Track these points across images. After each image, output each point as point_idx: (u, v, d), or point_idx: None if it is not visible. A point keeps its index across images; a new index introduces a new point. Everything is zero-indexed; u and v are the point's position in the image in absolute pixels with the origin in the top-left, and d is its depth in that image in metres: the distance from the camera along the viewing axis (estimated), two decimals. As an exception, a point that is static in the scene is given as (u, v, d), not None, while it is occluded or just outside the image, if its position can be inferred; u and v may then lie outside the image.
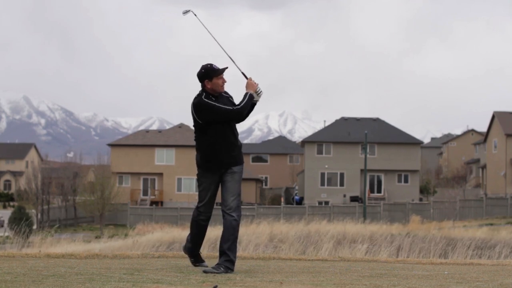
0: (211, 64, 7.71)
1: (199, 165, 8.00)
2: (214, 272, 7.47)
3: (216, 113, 7.64)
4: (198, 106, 7.67)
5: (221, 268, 7.53)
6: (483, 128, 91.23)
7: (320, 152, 72.09)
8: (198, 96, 7.74)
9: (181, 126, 76.80)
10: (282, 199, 74.11)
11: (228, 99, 7.84)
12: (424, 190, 79.95)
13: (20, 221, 33.37)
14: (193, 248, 8.25)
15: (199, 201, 8.13)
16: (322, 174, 71.81)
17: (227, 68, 7.67)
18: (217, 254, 8.13)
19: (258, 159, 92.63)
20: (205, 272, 7.53)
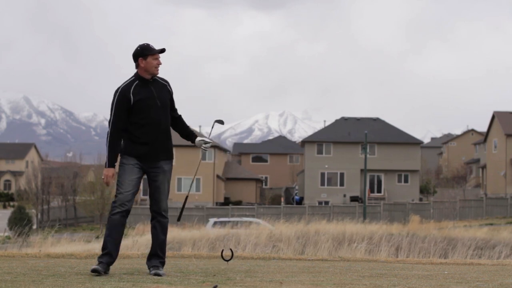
0: (148, 44, 7.32)
1: (123, 151, 7.40)
2: (163, 275, 7.15)
3: (110, 114, 7.26)
4: (114, 94, 7.26)
5: (161, 269, 7.31)
6: (483, 128, 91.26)
7: (320, 152, 72.09)
8: (125, 84, 7.32)
9: (181, 126, 76.80)
10: (282, 199, 74.10)
11: (166, 87, 7.44)
12: (424, 190, 79.96)
13: (20, 221, 33.40)
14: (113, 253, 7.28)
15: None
16: (322, 174, 71.81)
17: (164, 50, 7.29)
18: (217, 254, 8.12)
19: (258, 159, 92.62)
20: (157, 274, 7.16)
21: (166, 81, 7.52)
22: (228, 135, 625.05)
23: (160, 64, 7.32)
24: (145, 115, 7.25)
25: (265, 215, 40.20)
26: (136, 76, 7.35)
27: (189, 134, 7.73)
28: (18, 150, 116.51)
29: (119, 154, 7.45)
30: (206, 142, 7.63)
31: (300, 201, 72.10)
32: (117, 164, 7.50)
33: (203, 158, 71.12)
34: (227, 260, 8.55)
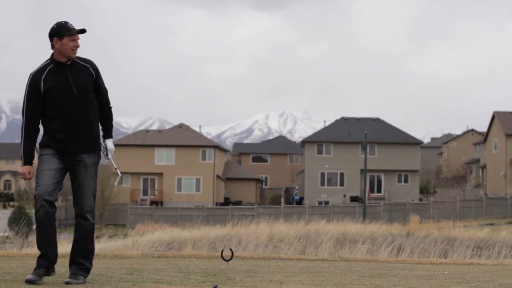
0: (67, 22, 6.36)
1: (41, 143, 6.57)
2: (77, 283, 6.31)
3: (23, 103, 6.47)
4: (28, 80, 6.42)
5: (81, 278, 6.40)
6: (483, 128, 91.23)
7: (320, 152, 72.08)
8: (37, 69, 6.43)
9: (181, 126, 76.77)
10: (282, 199, 74.08)
11: (86, 70, 6.47)
12: (424, 190, 79.94)
13: (20, 221, 33.38)
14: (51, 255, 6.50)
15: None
16: (322, 174, 71.80)
17: (84, 31, 6.39)
18: (217, 254, 8.08)
19: (258, 159, 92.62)
20: (68, 283, 6.29)
21: (89, 62, 6.51)
22: (228, 135, 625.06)
23: (78, 46, 6.38)
24: (57, 106, 6.34)
25: (265, 215, 40.16)
26: (51, 59, 6.42)
27: (105, 130, 6.76)
28: (18, 150, 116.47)
29: (38, 146, 6.57)
30: (107, 154, 6.78)
31: (300, 201, 72.10)
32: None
33: (203, 158, 71.13)
34: (227, 260, 8.56)
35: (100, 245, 27.16)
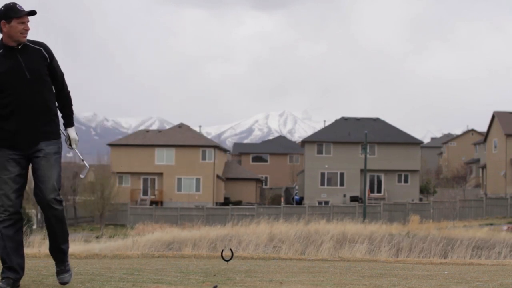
0: (15, 4, 5.94)
1: None
2: (68, 274, 6.17)
3: None
4: None
5: (67, 266, 6.20)
6: (483, 128, 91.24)
7: (320, 152, 72.09)
8: None
9: (181, 126, 76.77)
10: (282, 199, 74.11)
11: (39, 53, 6.03)
12: (424, 190, 79.95)
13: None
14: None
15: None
16: (322, 174, 71.80)
17: (34, 13, 5.98)
18: (217, 254, 8.06)
19: (258, 159, 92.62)
20: (63, 283, 6.15)
21: (42, 45, 6.08)
22: (228, 135, 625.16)
23: (28, 29, 5.95)
24: (9, 93, 5.88)
25: (265, 215, 40.17)
26: (0, 44, 5.97)
27: (64, 118, 6.26)
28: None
29: None
30: (71, 144, 6.26)
31: (300, 201, 72.11)
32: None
33: (203, 158, 71.13)
34: (227, 260, 8.56)
35: (100, 245, 27.17)
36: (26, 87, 5.92)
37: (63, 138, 6.22)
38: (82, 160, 6.64)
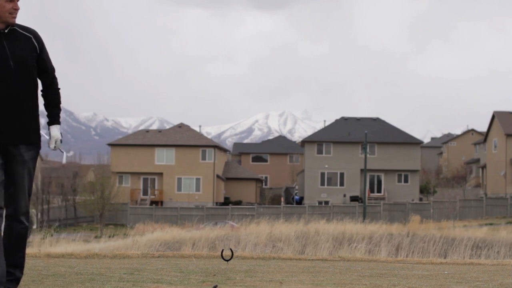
0: None
1: None
2: None
3: None
4: None
5: None
6: (483, 128, 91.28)
7: (320, 152, 72.09)
8: None
9: (181, 126, 76.79)
10: (282, 199, 74.11)
11: (28, 41, 5.33)
12: (424, 190, 79.99)
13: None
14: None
15: None
16: (322, 174, 71.80)
17: None
18: (217, 254, 8.05)
19: (258, 159, 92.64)
20: None
21: (32, 32, 5.39)
22: (228, 135, 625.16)
23: (17, 9, 5.27)
24: None
25: (265, 215, 40.19)
26: None
27: (50, 115, 5.58)
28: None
29: None
30: (56, 143, 5.57)
31: (300, 201, 72.11)
32: None
33: (203, 158, 71.13)
34: (227, 260, 8.56)
35: (100, 245, 27.17)
36: (8, 78, 5.21)
37: (44, 140, 5.62)
38: (61, 151, 5.80)
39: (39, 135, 5.44)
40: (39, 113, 5.54)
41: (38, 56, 5.37)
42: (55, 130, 5.56)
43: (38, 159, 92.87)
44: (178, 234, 29.14)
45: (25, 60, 5.28)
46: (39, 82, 5.52)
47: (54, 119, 5.56)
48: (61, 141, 5.61)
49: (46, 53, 5.45)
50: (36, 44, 5.35)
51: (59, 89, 5.60)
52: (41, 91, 5.51)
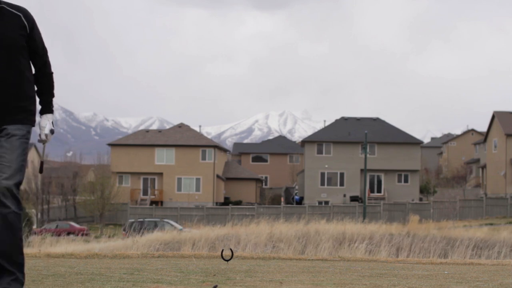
0: None
1: None
2: None
3: None
4: None
5: None
6: (483, 128, 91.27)
7: (320, 152, 72.10)
8: None
9: (181, 126, 76.80)
10: (282, 199, 74.13)
11: (16, 19, 4.86)
12: (424, 190, 80.00)
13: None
14: None
15: None
16: (322, 174, 71.82)
17: None
18: (217, 254, 8.05)
19: (258, 159, 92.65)
20: None
21: (22, 10, 4.93)
22: (228, 135, 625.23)
23: None
24: None
25: (265, 215, 40.20)
26: None
27: (41, 103, 5.14)
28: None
29: None
30: (46, 135, 5.08)
31: (300, 201, 72.12)
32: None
33: (203, 158, 71.15)
34: (227, 260, 8.55)
35: (100, 245, 27.18)
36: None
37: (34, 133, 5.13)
38: (41, 155, 5.38)
39: (30, 120, 4.98)
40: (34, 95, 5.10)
41: (28, 36, 4.91)
42: (46, 120, 5.10)
43: (38, 159, 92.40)
44: (178, 234, 29.13)
45: (13, 39, 4.82)
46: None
47: (47, 106, 5.12)
48: (52, 131, 5.10)
49: (38, 33, 4.99)
50: (26, 22, 4.88)
51: (52, 73, 5.14)
52: (33, 75, 5.05)
